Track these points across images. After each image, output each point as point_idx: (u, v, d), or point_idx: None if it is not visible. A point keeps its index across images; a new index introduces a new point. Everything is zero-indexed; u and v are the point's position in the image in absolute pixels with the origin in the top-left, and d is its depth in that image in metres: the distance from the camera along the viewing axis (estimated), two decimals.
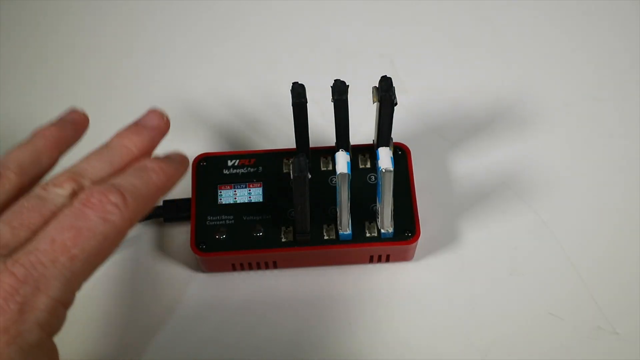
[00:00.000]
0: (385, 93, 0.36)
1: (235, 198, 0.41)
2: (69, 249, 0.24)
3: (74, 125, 0.33)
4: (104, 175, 0.29)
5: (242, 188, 0.41)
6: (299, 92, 0.37)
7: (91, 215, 0.25)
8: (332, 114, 0.37)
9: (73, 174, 0.28)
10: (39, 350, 0.24)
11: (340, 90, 0.36)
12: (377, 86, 0.36)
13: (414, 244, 0.40)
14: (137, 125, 0.33)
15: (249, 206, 0.41)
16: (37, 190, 0.28)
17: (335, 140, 0.39)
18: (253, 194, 0.41)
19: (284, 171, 0.42)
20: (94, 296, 0.41)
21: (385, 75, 0.36)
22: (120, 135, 0.32)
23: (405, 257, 0.41)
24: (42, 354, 0.24)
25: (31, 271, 0.24)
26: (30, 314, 0.23)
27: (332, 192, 0.40)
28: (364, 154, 0.42)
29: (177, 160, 0.31)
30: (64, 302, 0.24)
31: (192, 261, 0.42)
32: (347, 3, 0.53)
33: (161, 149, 0.46)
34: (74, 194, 0.27)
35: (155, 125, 0.33)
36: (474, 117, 0.47)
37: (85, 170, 0.29)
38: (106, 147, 0.32)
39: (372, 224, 0.40)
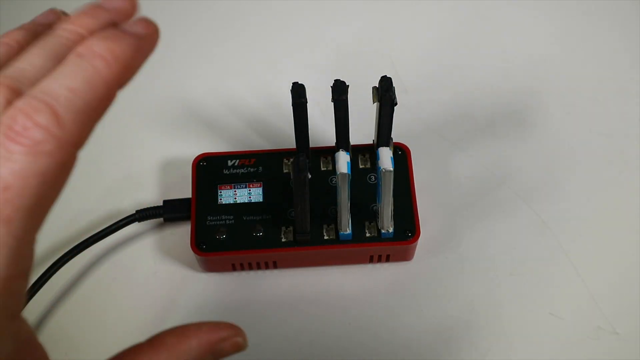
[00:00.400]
0: (385, 93, 0.36)
1: (235, 198, 0.41)
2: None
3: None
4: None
5: (242, 188, 0.41)
6: (299, 92, 0.37)
7: (17, 152, 0.19)
8: (332, 114, 0.37)
9: (8, 78, 0.21)
10: (2, 335, 0.20)
11: (340, 90, 0.36)
12: (377, 86, 0.36)
13: (414, 244, 0.40)
14: (95, 7, 0.24)
15: (249, 206, 0.41)
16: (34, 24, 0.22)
17: (335, 140, 0.39)
18: (253, 194, 0.41)
19: (284, 171, 0.42)
20: (94, 296, 0.41)
21: (385, 75, 0.36)
22: (71, 19, 0.23)
23: (405, 257, 0.41)
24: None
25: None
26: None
27: (332, 192, 0.40)
28: (364, 154, 0.42)
29: (136, 33, 0.23)
30: (15, 275, 0.20)
31: (192, 261, 0.42)
32: (347, 3, 0.53)
33: (161, 149, 0.46)
34: (8, 105, 0.20)
35: (119, 6, 0.24)
36: (474, 117, 0.47)
37: (23, 71, 0.21)
38: (52, 34, 0.23)
39: (372, 224, 0.40)
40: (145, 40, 0.23)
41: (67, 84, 0.20)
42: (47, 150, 0.19)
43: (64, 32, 0.22)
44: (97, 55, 0.21)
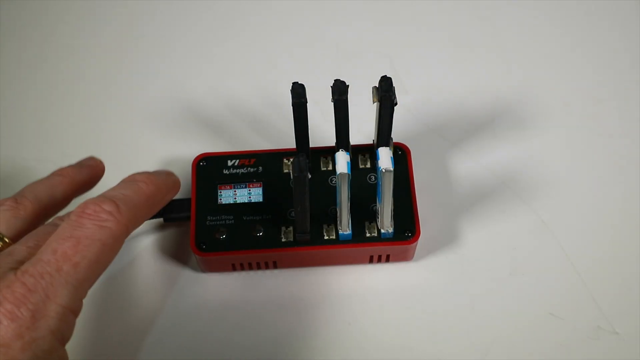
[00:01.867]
0: (385, 93, 0.36)
1: (235, 198, 0.41)
2: (70, 257, 0.26)
3: (90, 170, 0.36)
4: None
5: (242, 188, 0.41)
6: (299, 92, 0.37)
7: (87, 224, 0.27)
8: (332, 114, 0.37)
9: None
10: (51, 356, 0.24)
11: (340, 90, 0.36)
12: (377, 86, 0.36)
13: (414, 244, 0.40)
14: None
15: (249, 206, 0.41)
16: (54, 220, 0.30)
17: (335, 140, 0.39)
18: (253, 194, 0.41)
19: (284, 171, 0.42)
20: (93, 296, 0.41)
21: (385, 75, 0.36)
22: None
23: (405, 257, 0.41)
24: (52, 357, 0.25)
25: (39, 280, 0.25)
26: (42, 320, 0.24)
27: (332, 192, 0.40)
28: (364, 154, 0.42)
29: (163, 173, 0.34)
30: (73, 309, 0.25)
31: (192, 261, 0.42)
32: (347, 3, 0.53)
33: (161, 149, 0.46)
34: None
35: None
36: (474, 117, 0.47)
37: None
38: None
39: (372, 224, 0.40)
40: (169, 178, 0.35)
41: (122, 192, 0.30)
42: (109, 226, 0.27)
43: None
44: (140, 180, 0.31)
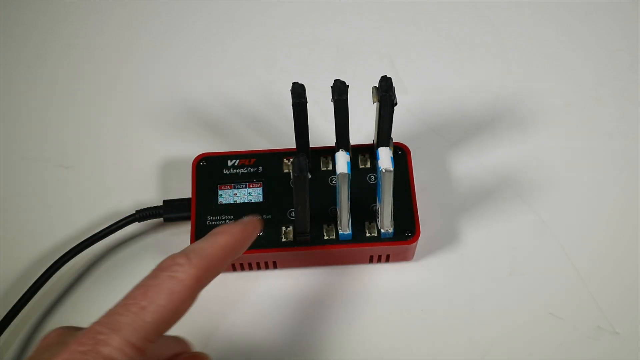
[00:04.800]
0: (385, 93, 0.36)
1: (235, 198, 0.41)
2: (138, 301, 0.28)
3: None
4: None
5: (242, 188, 0.41)
6: (299, 92, 0.37)
7: (160, 275, 0.29)
8: (332, 114, 0.37)
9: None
10: None
11: (340, 90, 0.36)
12: (377, 86, 0.36)
13: (414, 244, 0.40)
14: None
15: (249, 206, 0.41)
16: None
17: (335, 140, 0.39)
18: (253, 194, 0.41)
19: (284, 171, 0.42)
20: (93, 296, 0.41)
21: (385, 75, 0.36)
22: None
23: (405, 257, 0.41)
24: None
25: (110, 318, 0.28)
26: (104, 347, 0.27)
27: (332, 192, 0.40)
28: (364, 154, 0.42)
29: (244, 222, 0.34)
30: (137, 346, 0.27)
31: None
32: (347, 3, 0.53)
33: (161, 149, 0.46)
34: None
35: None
36: (474, 117, 0.47)
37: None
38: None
39: (372, 224, 0.40)
40: (249, 225, 0.34)
41: (199, 244, 0.31)
42: (178, 276, 0.29)
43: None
44: (217, 232, 0.32)
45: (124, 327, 0.28)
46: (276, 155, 0.42)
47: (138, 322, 0.28)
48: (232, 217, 0.40)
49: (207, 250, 0.31)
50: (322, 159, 0.42)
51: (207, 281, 0.31)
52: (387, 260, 0.41)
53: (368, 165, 0.42)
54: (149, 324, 0.28)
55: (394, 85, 0.36)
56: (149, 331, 0.28)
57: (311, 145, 0.41)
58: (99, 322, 0.28)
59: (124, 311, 0.28)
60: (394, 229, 0.39)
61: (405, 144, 0.42)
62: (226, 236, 0.32)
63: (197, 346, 0.40)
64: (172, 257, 0.30)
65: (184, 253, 0.31)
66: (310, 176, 0.34)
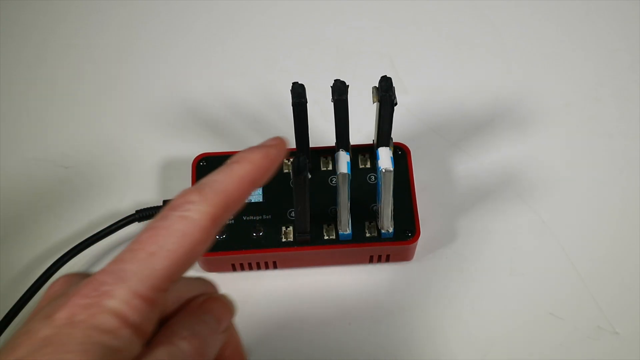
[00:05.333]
0: (385, 93, 0.36)
1: None
2: (145, 247, 0.25)
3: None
4: None
5: None
6: (299, 92, 0.37)
7: (170, 215, 0.26)
8: (332, 114, 0.37)
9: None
10: (115, 336, 0.24)
11: (340, 90, 0.36)
12: (377, 86, 0.36)
13: (414, 244, 0.40)
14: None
15: (249, 206, 0.41)
16: None
17: (335, 140, 0.39)
18: (253, 194, 0.41)
19: (284, 171, 0.42)
20: None
21: (385, 75, 0.36)
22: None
23: (405, 257, 0.41)
24: (119, 341, 0.24)
25: (114, 267, 0.25)
26: (108, 300, 0.24)
27: (332, 192, 0.40)
28: (364, 154, 0.42)
29: (267, 145, 0.29)
30: (145, 296, 0.25)
31: None
32: (347, 3, 0.53)
33: (161, 149, 0.46)
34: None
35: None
36: (474, 117, 0.47)
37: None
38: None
39: (372, 224, 0.40)
40: (272, 148, 0.30)
41: (212, 177, 0.27)
42: (190, 215, 0.26)
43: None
44: (234, 160, 0.28)
45: (131, 276, 0.25)
46: None
47: (146, 270, 0.25)
48: (231, 217, 0.40)
49: (224, 183, 0.27)
50: (322, 159, 0.42)
51: (224, 219, 0.27)
52: (387, 260, 0.41)
53: (368, 165, 0.42)
54: (158, 271, 0.25)
55: (394, 85, 0.36)
56: (159, 279, 0.25)
57: (311, 145, 0.41)
58: (103, 271, 0.25)
59: (130, 258, 0.25)
60: (394, 229, 0.39)
61: (405, 144, 0.42)
62: (246, 164, 0.28)
63: None
64: (184, 194, 0.27)
65: (197, 188, 0.27)
66: (310, 176, 0.34)
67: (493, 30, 0.51)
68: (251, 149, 0.29)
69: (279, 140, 0.30)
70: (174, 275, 0.26)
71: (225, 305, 0.30)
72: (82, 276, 0.27)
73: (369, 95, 0.37)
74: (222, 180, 0.27)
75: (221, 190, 0.27)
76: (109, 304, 0.24)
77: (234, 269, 0.41)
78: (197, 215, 0.26)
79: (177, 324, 0.27)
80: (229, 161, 0.28)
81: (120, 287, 0.25)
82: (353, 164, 0.41)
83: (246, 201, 0.31)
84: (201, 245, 0.26)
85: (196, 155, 0.42)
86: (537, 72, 0.49)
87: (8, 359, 0.24)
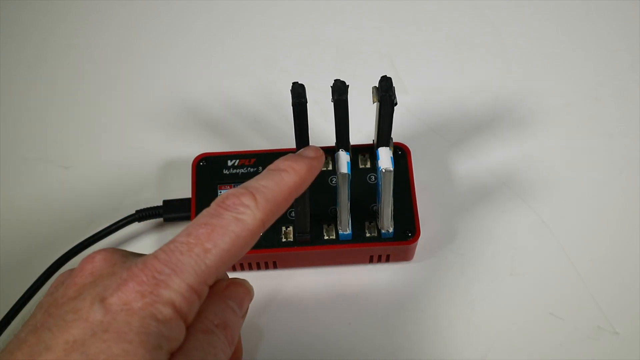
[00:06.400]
0: (385, 93, 0.36)
1: None
2: (202, 243, 0.27)
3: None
4: None
5: None
6: (299, 92, 0.36)
7: (225, 215, 0.28)
8: (332, 114, 0.37)
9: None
10: (169, 326, 0.26)
11: (340, 90, 0.36)
12: (377, 86, 0.36)
13: (414, 244, 0.40)
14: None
15: None
16: None
17: (335, 140, 0.39)
18: None
19: None
20: None
21: (385, 75, 0.36)
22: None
23: (405, 257, 0.41)
24: (171, 331, 0.26)
25: (170, 255, 0.26)
26: (165, 290, 0.26)
27: (332, 192, 0.40)
28: (364, 154, 0.42)
29: (309, 157, 0.31)
30: (197, 290, 0.26)
31: None
32: (347, 3, 0.53)
33: (161, 149, 0.46)
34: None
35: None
36: (474, 117, 0.47)
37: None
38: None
39: (372, 224, 0.40)
40: (315, 160, 0.32)
41: (263, 183, 0.29)
42: (245, 219, 0.28)
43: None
44: (283, 169, 0.30)
45: (186, 269, 0.26)
46: (276, 155, 0.41)
47: (200, 265, 0.26)
48: None
49: (275, 191, 0.29)
50: None
51: (269, 225, 0.29)
52: (387, 260, 0.41)
53: (368, 165, 0.42)
54: (210, 267, 0.27)
55: (394, 85, 0.36)
56: (209, 275, 0.27)
57: (311, 145, 0.41)
58: (158, 259, 0.26)
59: (186, 251, 0.26)
60: (394, 229, 0.39)
61: (405, 144, 0.42)
62: (294, 176, 0.30)
63: None
64: (237, 195, 0.28)
65: (250, 192, 0.28)
66: None
67: (493, 30, 0.51)
68: (296, 159, 0.31)
69: (320, 153, 0.32)
70: (221, 272, 0.27)
71: (246, 290, 0.32)
72: (125, 254, 0.28)
73: (369, 95, 0.37)
74: (272, 188, 0.29)
75: (272, 198, 0.29)
76: (166, 295, 0.25)
77: (234, 268, 0.41)
78: (250, 220, 0.28)
79: (208, 310, 0.29)
80: (275, 167, 0.30)
81: (176, 279, 0.26)
82: (353, 164, 0.41)
83: None
84: (247, 248, 0.28)
85: (196, 155, 0.42)
86: (537, 72, 0.49)
87: (64, 337, 0.25)
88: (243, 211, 0.28)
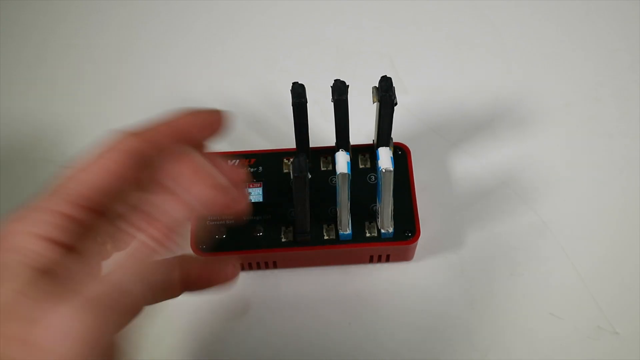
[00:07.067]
0: (385, 93, 0.36)
1: None
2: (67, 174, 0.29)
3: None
4: None
5: None
6: (299, 92, 0.37)
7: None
8: (332, 114, 0.37)
9: None
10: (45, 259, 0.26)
11: (340, 90, 0.36)
12: (377, 86, 0.36)
13: (414, 244, 0.40)
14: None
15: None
16: None
17: (335, 140, 0.39)
18: (253, 194, 0.41)
19: (284, 171, 0.42)
20: None
21: (385, 75, 0.36)
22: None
23: (405, 257, 0.41)
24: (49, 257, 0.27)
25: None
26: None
27: (332, 192, 0.40)
28: (364, 154, 0.42)
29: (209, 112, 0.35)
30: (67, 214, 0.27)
31: None
32: (347, 3, 0.53)
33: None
34: None
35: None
36: (474, 117, 0.47)
37: None
38: None
39: (372, 224, 0.40)
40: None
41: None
42: (113, 142, 0.30)
43: None
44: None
45: (52, 199, 0.28)
46: (276, 155, 0.42)
47: (67, 190, 0.28)
48: (232, 217, 0.40)
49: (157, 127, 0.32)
50: (322, 159, 0.42)
51: (147, 152, 0.30)
52: (387, 260, 0.41)
53: (368, 165, 0.42)
54: (74, 190, 0.28)
55: (394, 85, 0.36)
56: (77, 196, 0.28)
57: (311, 145, 0.41)
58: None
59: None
60: (394, 229, 0.39)
61: (405, 144, 0.42)
62: (189, 116, 0.34)
63: (197, 346, 0.40)
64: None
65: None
66: (310, 176, 0.34)
67: (493, 30, 0.51)
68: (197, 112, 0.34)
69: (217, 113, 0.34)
70: (101, 187, 0.28)
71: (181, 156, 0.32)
72: None
73: (369, 95, 0.37)
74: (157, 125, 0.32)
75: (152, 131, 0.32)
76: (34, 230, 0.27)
77: None
78: (122, 141, 0.30)
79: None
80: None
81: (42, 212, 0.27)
82: (353, 164, 0.41)
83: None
84: (126, 167, 0.29)
85: None
86: (537, 72, 0.49)
87: None
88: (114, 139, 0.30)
